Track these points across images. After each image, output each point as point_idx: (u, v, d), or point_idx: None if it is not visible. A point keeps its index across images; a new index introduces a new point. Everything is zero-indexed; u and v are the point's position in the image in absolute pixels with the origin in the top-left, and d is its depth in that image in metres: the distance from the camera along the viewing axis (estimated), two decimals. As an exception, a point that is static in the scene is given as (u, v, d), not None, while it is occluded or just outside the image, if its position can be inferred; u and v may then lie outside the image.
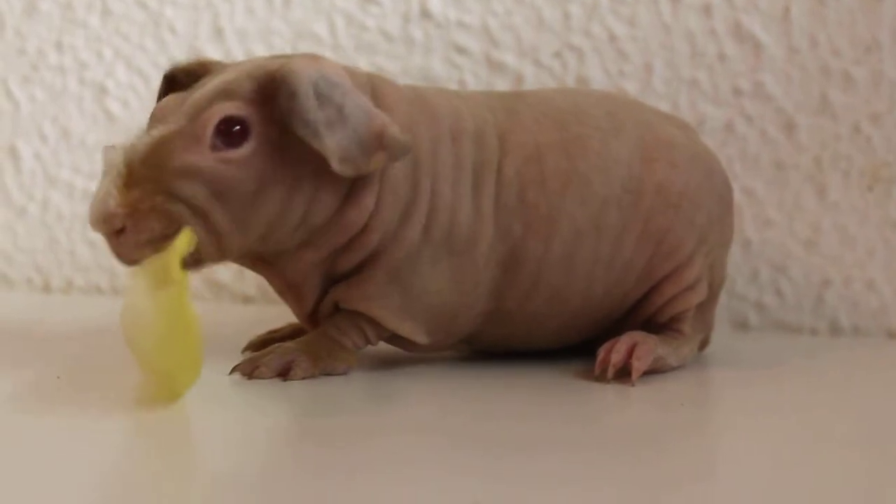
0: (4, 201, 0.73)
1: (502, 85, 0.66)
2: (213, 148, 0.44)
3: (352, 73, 0.47)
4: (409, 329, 0.48)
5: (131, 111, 0.72)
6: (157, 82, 0.70)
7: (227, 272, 0.69)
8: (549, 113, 0.49)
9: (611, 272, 0.49)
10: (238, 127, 0.44)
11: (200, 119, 0.44)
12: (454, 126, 0.48)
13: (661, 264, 0.49)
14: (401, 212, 0.47)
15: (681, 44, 0.64)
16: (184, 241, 0.42)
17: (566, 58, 0.65)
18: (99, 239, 0.71)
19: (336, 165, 0.44)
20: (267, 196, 0.45)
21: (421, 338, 0.48)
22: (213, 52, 0.70)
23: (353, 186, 0.46)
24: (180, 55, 0.70)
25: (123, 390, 0.44)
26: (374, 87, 0.47)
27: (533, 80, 0.65)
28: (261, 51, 0.69)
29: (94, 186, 0.70)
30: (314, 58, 0.46)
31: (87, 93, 0.72)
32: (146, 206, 0.43)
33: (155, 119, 0.45)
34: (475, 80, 0.66)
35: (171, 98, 0.46)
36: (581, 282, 0.49)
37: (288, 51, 0.69)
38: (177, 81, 0.47)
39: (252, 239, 0.45)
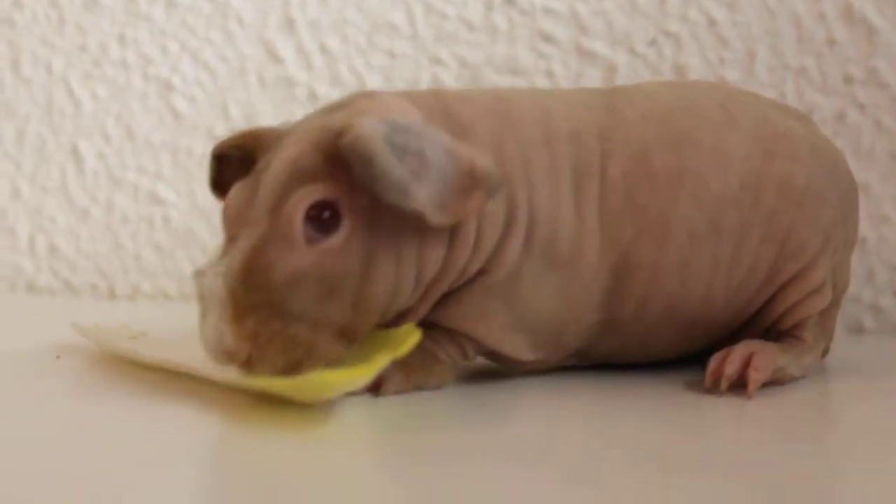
0: (67, 204, 0.72)
1: (593, 75, 0.63)
2: (309, 241, 0.40)
3: (415, 98, 0.44)
4: (510, 346, 0.45)
5: (198, 108, 0.70)
6: (224, 78, 0.70)
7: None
8: (654, 108, 0.47)
9: (732, 277, 0.46)
10: (328, 211, 0.41)
11: (284, 214, 0.40)
12: (545, 129, 0.45)
13: (785, 267, 0.47)
14: (500, 235, 0.44)
15: (786, 28, 0.62)
16: (409, 341, 0.40)
17: (662, 45, 0.63)
18: (166, 243, 0.72)
19: (433, 218, 0.40)
20: (377, 272, 0.41)
21: (525, 355, 0.46)
22: (283, 45, 0.68)
23: (454, 227, 0.43)
24: (249, 48, 0.68)
25: (205, 399, 0.42)
26: (446, 107, 0.44)
27: (626, 69, 0.63)
28: (334, 43, 0.67)
29: (160, 188, 0.70)
30: (369, 97, 0.43)
31: (151, 89, 0.71)
32: (266, 336, 0.40)
33: (230, 221, 0.42)
34: (564, 69, 0.64)
35: (237, 191, 0.43)
36: (700, 288, 0.46)
37: (362, 42, 0.67)
38: (226, 158, 0.45)
39: (375, 316, 0.42)
